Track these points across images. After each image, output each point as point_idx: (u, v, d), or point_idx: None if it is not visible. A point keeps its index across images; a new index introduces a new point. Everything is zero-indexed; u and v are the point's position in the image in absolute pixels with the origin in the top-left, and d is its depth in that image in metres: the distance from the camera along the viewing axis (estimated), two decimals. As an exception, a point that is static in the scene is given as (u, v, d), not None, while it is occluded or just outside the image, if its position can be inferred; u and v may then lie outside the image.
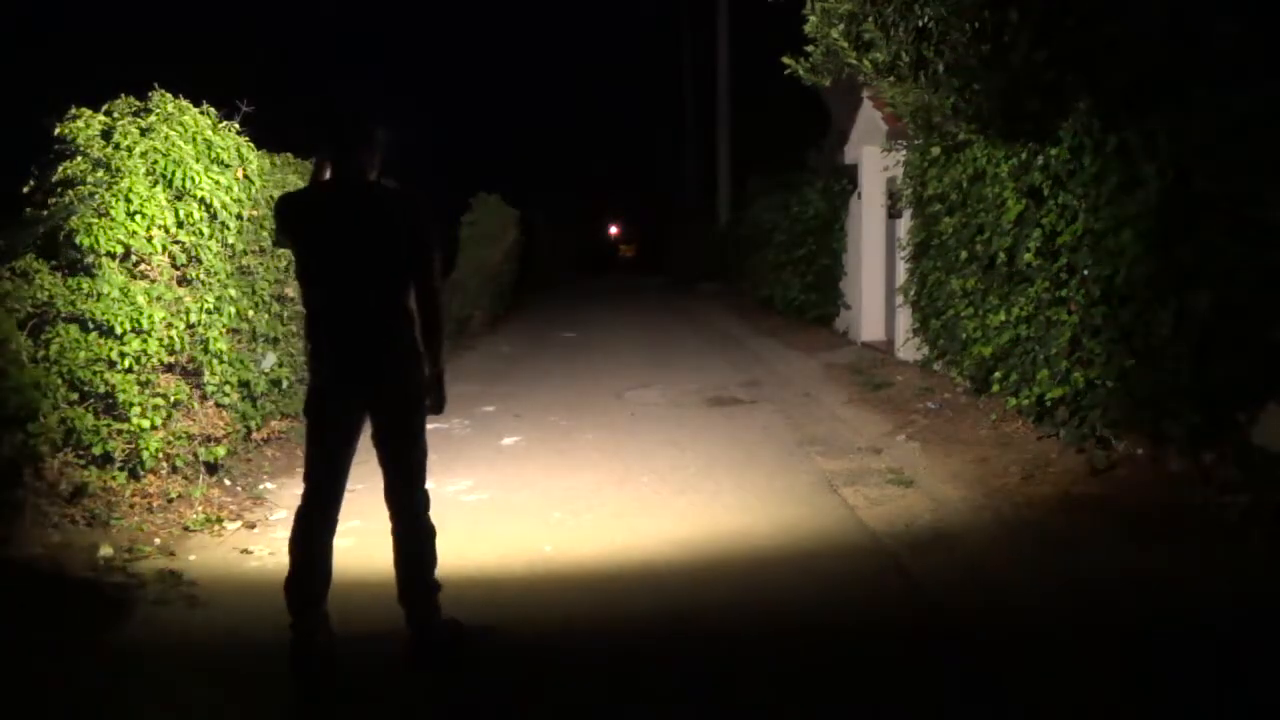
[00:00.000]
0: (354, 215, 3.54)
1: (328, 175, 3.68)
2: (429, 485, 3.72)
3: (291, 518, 3.60)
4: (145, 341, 5.17)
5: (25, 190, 5.50)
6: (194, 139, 5.66)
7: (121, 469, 5.10)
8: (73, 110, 5.50)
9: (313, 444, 3.61)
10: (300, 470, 3.73)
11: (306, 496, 3.58)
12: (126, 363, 5.10)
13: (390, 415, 3.59)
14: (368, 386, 3.56)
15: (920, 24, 6.32)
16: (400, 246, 3.53)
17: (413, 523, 3.61)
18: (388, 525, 3.63)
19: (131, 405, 5.09)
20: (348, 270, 3.50)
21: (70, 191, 5.27)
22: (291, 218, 3.64)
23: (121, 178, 5.29)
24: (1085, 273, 5.60)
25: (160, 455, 5.22)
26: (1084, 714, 3.18)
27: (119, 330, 5.08)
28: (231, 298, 5.92)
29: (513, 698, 3.44)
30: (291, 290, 6.92)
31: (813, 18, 7.42)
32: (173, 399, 5.34)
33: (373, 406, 3.59)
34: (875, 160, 10.90)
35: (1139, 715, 3.17)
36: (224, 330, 5.81)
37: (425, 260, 3.57)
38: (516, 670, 3.62)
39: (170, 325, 5.33)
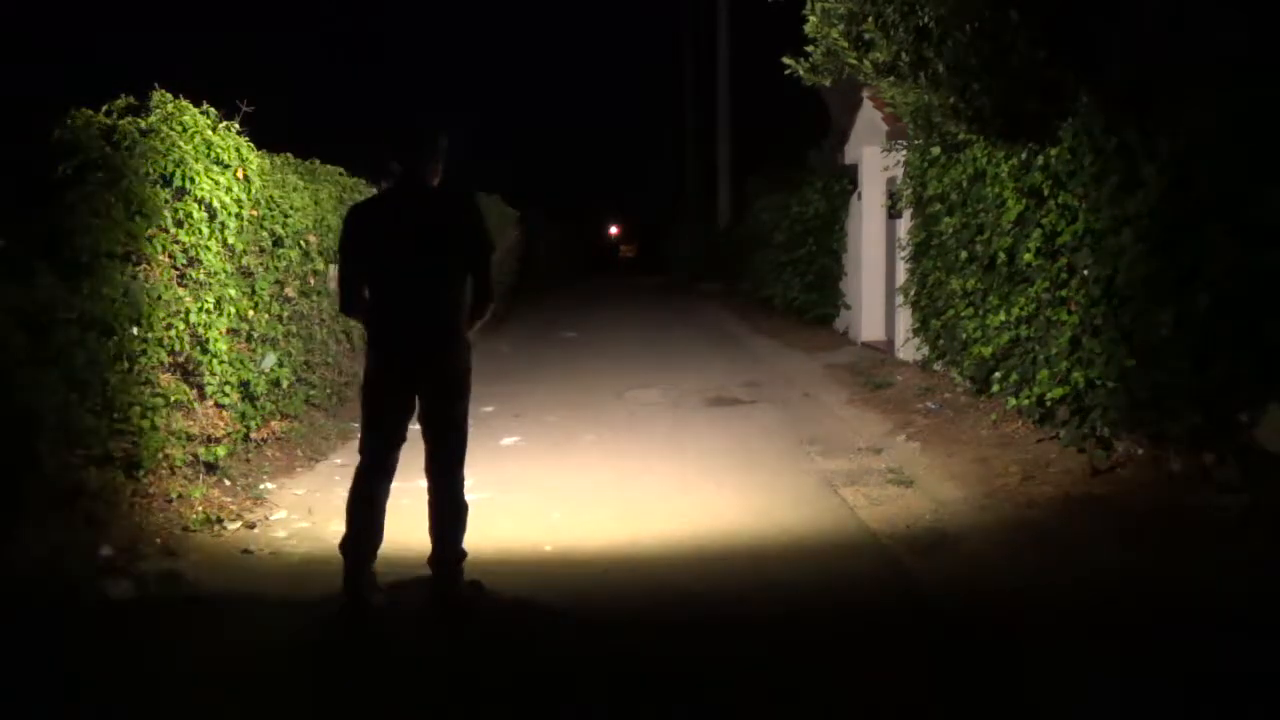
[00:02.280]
0: (421, 217, 3.98)
1: (392, 182, 4.14)
2: None
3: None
4: (145, 342, 5.17)
5: (25, 190, 5.49)
6: (194, 139, 5.66)
7: (121, 469, 5.09)
8: (72, 110, 5.50)
9: (369, 418, 4.06)
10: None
11: (364, 461, 4.04)
12: (126, 363, 5.09)
13: (436, 400, 4.04)
14: (421, 369, 4.00)
15: (920, 24, 6.31)
16: (460, 244, 4.00)
17: (450, 498, 4.07)
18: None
19: (131, 405, 5.09)
20: (415, 267, 3.93)
21: (70, 191, 5.27)
22: (362, 223, 4.04)
23: (121, 178, 5.28)
24: (1085, 273, 5.60)
25: (160, 455, 5.22)
26: (1085, 714, 3.18)
27: (119, 330, 5.07)
28: (231, 298, 5.91)
29: (514, 700, 3.44)
30: (291, 290, 6.92)
31: (813, 18, 7.41)
32: (173, 399, 5.34)
33: (422, 390, 4.03)
34: (875, 160, 10.91)
35: (1140, 715, 3.17)
36: (224, 330, 5.81)
37: (484, 255, 4.09)
38: (517, 673, 3.62)
39: (170, 325, 5.33)
